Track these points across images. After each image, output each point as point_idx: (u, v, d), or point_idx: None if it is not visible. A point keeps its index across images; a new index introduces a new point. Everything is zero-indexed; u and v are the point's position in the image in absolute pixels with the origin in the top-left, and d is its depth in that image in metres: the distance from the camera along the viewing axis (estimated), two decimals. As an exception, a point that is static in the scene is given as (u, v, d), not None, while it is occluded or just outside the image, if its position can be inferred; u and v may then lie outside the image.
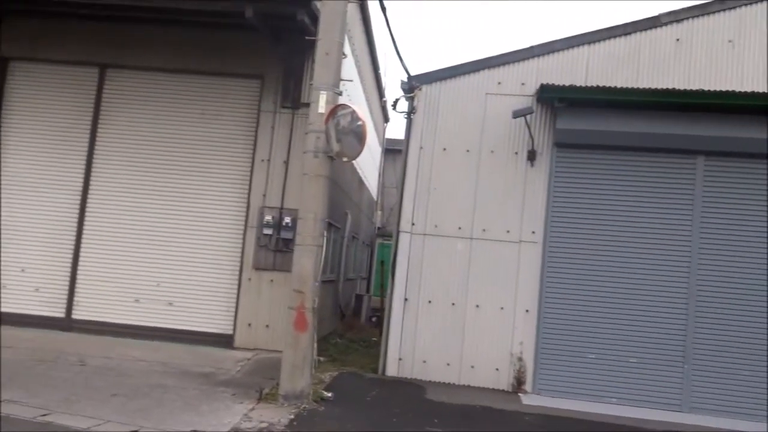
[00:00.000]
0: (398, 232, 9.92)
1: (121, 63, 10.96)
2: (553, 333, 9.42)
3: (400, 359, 9.66)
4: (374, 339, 12.79)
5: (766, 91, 9.12)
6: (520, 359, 9.41)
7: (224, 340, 10.33)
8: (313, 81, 7.65)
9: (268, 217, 10.32)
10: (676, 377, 9.10)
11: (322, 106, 7.51)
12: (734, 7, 9.54)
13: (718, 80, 9.46)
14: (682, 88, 9.34)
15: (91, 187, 10.89)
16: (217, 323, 10.52)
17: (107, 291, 10.68)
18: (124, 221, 10.80)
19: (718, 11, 9.57)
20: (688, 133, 9.10)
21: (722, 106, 8.95)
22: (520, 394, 9.18)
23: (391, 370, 9.64)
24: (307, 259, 7.45)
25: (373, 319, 16.03)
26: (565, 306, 9.44)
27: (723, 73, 9.50)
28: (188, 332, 10.45)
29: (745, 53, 9.49)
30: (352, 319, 15.78)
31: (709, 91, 9.03)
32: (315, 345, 7.64)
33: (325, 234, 7.88)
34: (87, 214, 10.85)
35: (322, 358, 9.70)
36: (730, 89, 9.23)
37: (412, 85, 9.95)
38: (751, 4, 9.52)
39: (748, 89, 9.24)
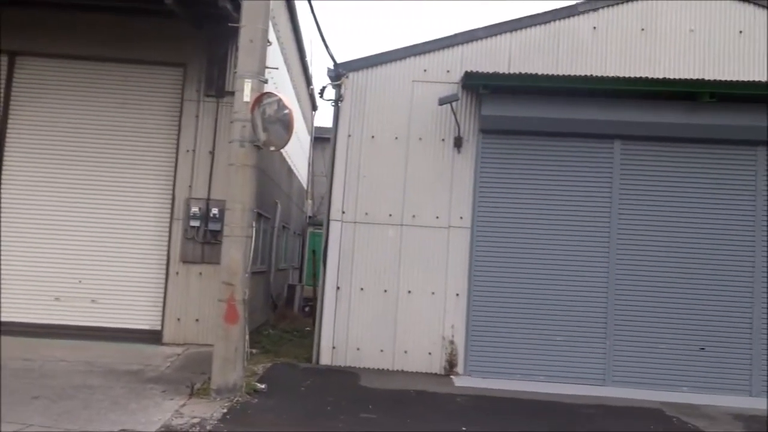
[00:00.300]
0: (329, 220, 9.90)
1: (33, 50, 10.40)
2: (483, 315, 9.66)
3: (333, 348, 9.68)
4: (307, 329, 12.75)
5: (677, 77, 9.57)
6: (451, 342, 9.60)
7: (153, 336, 10.05)
8: (238, 69, 7.50)
9: (194, 209, 10.08)
10: (599, 353, 9.52)
11: (247, 94, 7.38)
12: (646, -3, 9.97)
13: (632, 67, 9.86)
14: (598, 74, 9.69)
15: (3, 182, 10.32)
16: (145, 319, 10.22)
17: (26, 290, 10.18)
18: (41, 217, 10.30)
19: (632, 0, 9.97)
20: (606, 118, 9.46)
21: (637, 92, 9.35)
22: (452, 377, 9.38)
23: (325, 359, 9.65)
24: (236, 251, 7.34)
25: (306, 308, 15.96)
26: (493, 289, 9.69)
27: (637, 60, 9.92)
28: (114, 330, 10.11)
29: (657, 41, 9.93)
30: (285, 309, 15.66)
31: (623, 77, 9.40)
32: (247, 337, 7.55)
33: (254, 224, 7.76)
34: (0, 210, 10.28)
35: (254, 350, 9.61)
36: (644, 75, 9.63)
37: (338, 73, 9.91)
38: (661, -6, 9.97)
39: (660, 75, 9.68)
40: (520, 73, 9.59)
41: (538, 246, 9.71)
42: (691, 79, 9.44)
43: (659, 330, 9.50)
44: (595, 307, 9.59)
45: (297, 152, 17.77)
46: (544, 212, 9.74)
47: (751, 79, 9.64)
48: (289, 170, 16.73)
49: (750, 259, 9.50)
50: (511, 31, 9.96)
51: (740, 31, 9.88)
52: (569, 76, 9.51)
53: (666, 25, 9.96)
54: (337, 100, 9.95)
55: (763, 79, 9.61)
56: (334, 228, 9.85)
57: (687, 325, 9.47)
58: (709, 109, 9.28)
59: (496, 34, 9.97)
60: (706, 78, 9.64)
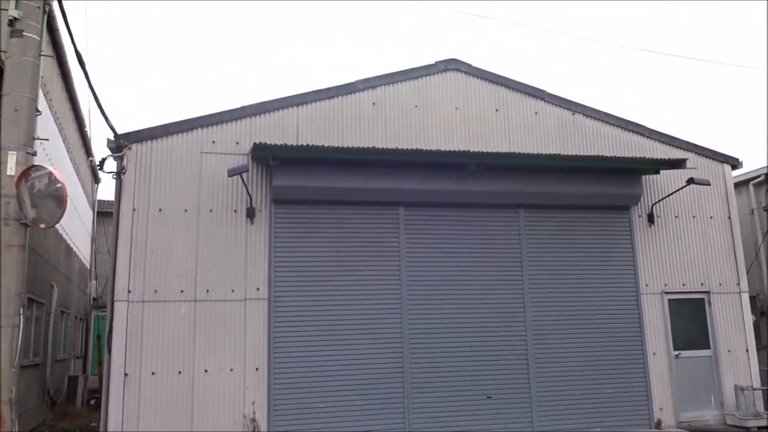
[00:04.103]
0: (113, 301, 9.18)
1: None
2: (284, 388, 9.49)
3: (122, 441, 8.81)
4: (93, 424, 11.49)
5: (447, 149, 10.57)
6: (253, 420, 9.26)
7: None
8: (1, 140, 6.81)
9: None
10: (398, 411, 9.80)
11: (11, 167, 6.69)
12: (416, 77, 11.00)
13: (409, 139, 10.72)
14: (380, 146, 10.37)
15: None
16: None
17: None
18: None
19: (404, 80, 10.93)
20: (389, 186, 10.11)
21: (414, 162, 10.15)
22: (255, 455, 9.01)
23: (113, 455, 8.74)
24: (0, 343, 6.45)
25: (92, 401, 14.41)
26: (293, 360, 9.60)
27: (413, 132, 10.80)
28: None
29: (429, 116, 10.94)
30: (66, 405, 13.98)
31: (402, 149, 10.15)
32: (14, 442, 6.57)
33: (24, 311, 6.92)
34: None
35: (25, 457, 8.39)
36: (419, 147, 10.51)
37: (120, 144, 9.42)
38: (429, 75, 11.07)
39: (433, 147, 10.63)
40: (308, 144, 9.93)
41: (334, 313, 9.88)
42: (459, 151, 10.48)
43: (451, 384, 10.08)
44: (391, 369, 9.92)
45: (77, 229, 16.36)
46: (339, 279, 9.99)
47: (509, 149, 10.96)
48: (68, 249, 15.30)
49: (521, 312, 10.57)
50: (298, 105, 10.34)
51: (496, 110, 11.28)
52: (353, 147, 10.06)
53: (436, 102, 11.02)
54: (119, 173, 9.43)
55: (518, 150, 10.99)
56: (120, 309, 9.14)
57: (474, 378, 10.18)
58: (476, 177, 10.35)
59: (284, 107, 10.28)
60: (471, 150, 10.76)
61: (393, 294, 10.15)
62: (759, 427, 10.57)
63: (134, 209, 9.43)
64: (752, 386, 11.17)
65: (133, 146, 9.53)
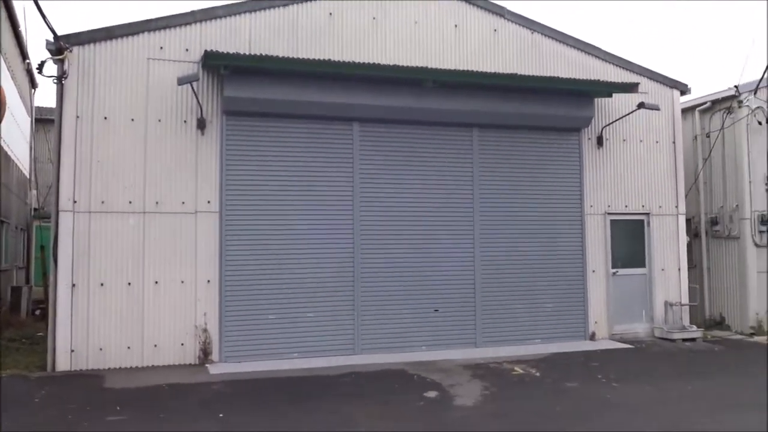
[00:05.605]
0: (58, 211, 8.92)
1: None
2: (236, 300, 9.58)
3: (72, 351, 8.81)
4: (40, 334, 11.41)
5: (405, 65, 10.38)
6: (205, 330, 9.36)
7: None
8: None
9: None
10: (348, 324, 10.06)
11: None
12: (376, -13, 10.62)
13: (366, 53, 10.45)
14: (336, 59, 10.10)
15: None
16: None
17: None
18: None
19: (363, -10, 10.54)
20: (344, 101, 9.93)
21: (371, 77, 9.96)
22: (207, 365, 9.17)
23: (63, 365, 8.75)
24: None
25: (37, 312, 14.25)
26: (245, 272, 9.65)
27: (370, 46, 10.53)
28: None
29: (387, 29, 10.65)
30: (10, 315, 13.78)
31: (358, 63, 9.92)
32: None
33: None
34: None
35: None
36: (375, 62, 10.28)
37: (60, 46, 8.88)
38: (389, -15, 10.70)
39: (390, 62, 10.41)
40: (262, 54, 9.59)
41: (286, 226, 9.89)
42: (416, 67, 10.32)
43: (400, 298, 10.36)
44: (342, 282, 10.09)
45: (15, 136, 15.61)
46: (291, 193, 9.94)
47: (466, 68, 10.85)
48: (6, 157, 14.63)
49: (470, 228, 10.81)
50: (251, 12, 9.88)
51: (455, 25, 11.06)
52: (309, 59, 9.78)
53: (394, 16, 10.70)
54: (60, 77, 8.94)
55: (475, 68, 10.89)
56: (65, 219, 8.91)
57: (423, 291, 10.47)
58: (432, 95, 10.26)
59: (236, 14, 9.81)
60: (429, 66, 10.60)
61: (345, 208, 10.19)
62: (683, 339, 11.34)
63: (78, 117, 9.02)
64: (681, 302, 11.89)
65: (75, 49, 9.00)
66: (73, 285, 8.88)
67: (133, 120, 9.26)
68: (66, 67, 8.95)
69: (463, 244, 10.75)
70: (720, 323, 12.86)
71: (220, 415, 6.81)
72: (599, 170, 11.64)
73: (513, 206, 11.06)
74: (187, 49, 9.54)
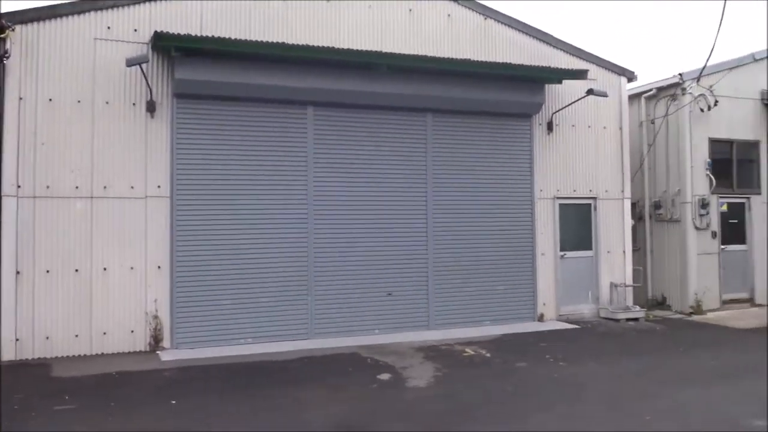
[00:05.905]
0: (0, 196, 8.63)
1: None
2: (187, 286, 9.48)
3: (17, 340, 8.59)
4: (-18, 321, 11.07)
5: (358, 49, 10.37)
6: (155, 317, 9.25)
7: None
8: None
9: None
10: (302, 309, 10.09)
11: None
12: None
13: (320, 37, 10.36)
14: (290, 42, 10.00)
15: None
16: None
17: None
18: None
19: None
20: (298, 85, 9.86)
21: (324, 60, 9.91)
22: (158, 352, 9.08)
23: (8, 354, 8.53)
24: None
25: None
26: (197, 257, 9.55)
27: (324, 30, 10.44)
28: None
29: (341, 14, 10.57)
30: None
31: (312, 46, 9.84)
32: None
33: None
34: None
35: None
36: (330, 45, 10.22)
37: (2, 25, 8.51)
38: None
39: (345, 47, 10.36)
40: (214, 36, 9.42)
41: (239, 211, 9.81)
42: (370, 51, 10.31)
43: (353, 282, 10.43)
44: (296, 267, 10.10)
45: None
46: (245, 177, 9.85)
47: (421, 53, 10.87)
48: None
49: (423, 212, 10.93)
50: (202, -7, 9.68)
51: (410, 10, 11.06)
52: (261, 42, 9.65)
53: (350, 1, 10.61)
54: (2, 57, 8.60)
55: (429, 53, 10.93)
56: (8, 205, 8.63)
57: (376, 275, 10.57)
58: (386, 79, 10.28)
59: (186, -5, 9.60)
60: (384, 51, 10.60)
61: (299, 192, 10.16)
62: (627, 319, 11.78)
63: (21, 98, 8.72)
64: (625, 283, 12.33)
65: (18, 28, 8.66)
66: (18, 272, 8.64)
67: (79, 102, 9.00)
68: (8, 46, 8.61)
69: (417, 228, 10.88)
70: (662, 303, 13.39)
71: (173, 402, 6.78)
72: (549, 155, 11.90)
73: (466, 191, 11.23)
74: (135, 30, 9.30)
